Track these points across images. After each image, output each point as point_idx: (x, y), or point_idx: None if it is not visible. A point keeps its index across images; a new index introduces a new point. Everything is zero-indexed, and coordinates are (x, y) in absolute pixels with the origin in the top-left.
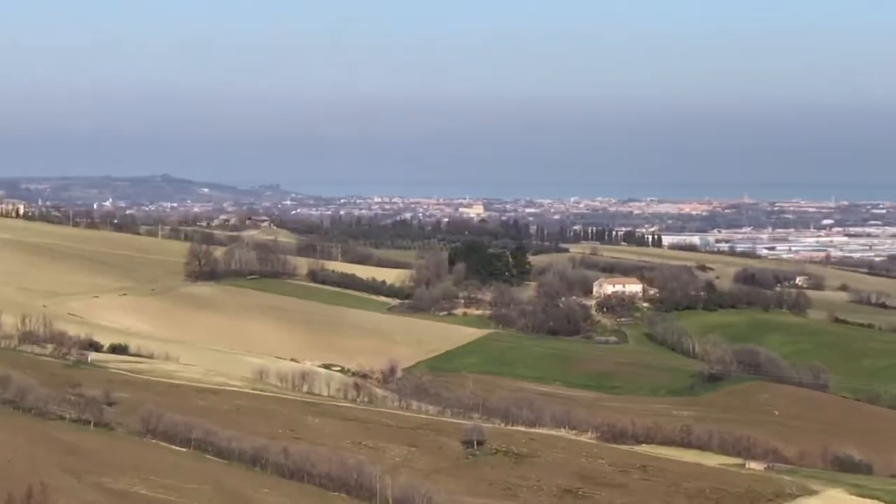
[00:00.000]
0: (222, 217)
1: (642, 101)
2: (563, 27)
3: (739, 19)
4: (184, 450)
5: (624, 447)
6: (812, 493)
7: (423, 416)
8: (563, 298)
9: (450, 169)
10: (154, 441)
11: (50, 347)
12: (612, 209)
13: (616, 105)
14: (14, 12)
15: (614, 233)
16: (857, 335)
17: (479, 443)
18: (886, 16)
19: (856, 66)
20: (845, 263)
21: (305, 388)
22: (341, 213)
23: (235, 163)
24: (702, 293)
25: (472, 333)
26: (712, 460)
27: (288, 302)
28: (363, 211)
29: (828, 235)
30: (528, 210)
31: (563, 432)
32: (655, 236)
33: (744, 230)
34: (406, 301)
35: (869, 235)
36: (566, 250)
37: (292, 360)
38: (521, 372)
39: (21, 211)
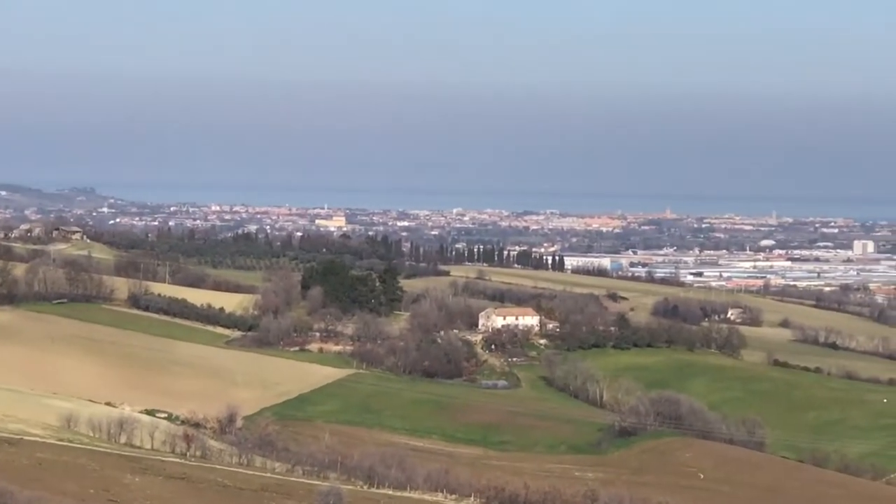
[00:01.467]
0: (23, 227)
1: (541, 92)
2: (438, 12)
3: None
4: None
5: None
6: None
7: (269, 475)
8: (442, 333)
9: (305, 173)
10: None
11: None
12: (504, 223)
13: (512, 97)
14: None
15: (506, 252)
16: (801, 382)
17: None
18: None
19: (810, 55)
20: (788, 294)
21: (124, 439)
22: (171, 223)
23: (41, 160)
24: (612, 328)
25: (330, 374)
26: None
27: (103, 332)
28: (198, 222)
29: (767, 259)
30: (400, 223)
31: (439, 497)
32: (557, 257)
33: (665, 251)
34: (249, 333)
35: (817, 260)
36: (447, 273)
37: (108, 403)
38: (390, 422)
39: None
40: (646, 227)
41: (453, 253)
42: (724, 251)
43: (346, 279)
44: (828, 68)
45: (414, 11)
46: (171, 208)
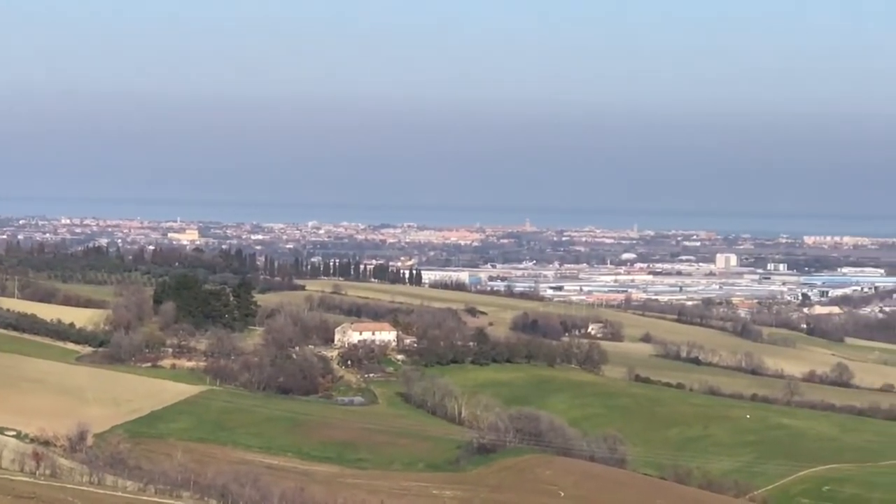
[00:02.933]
0: None
1: (397, 103)
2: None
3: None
4: None
5: None
6: None
7: (120, 494)
8: (297, 348)
9: (156, 185)
10: None
11: None
12: (361, 237)
13: (367, 107)
14: None
15: (363, 266)
16: (663, 397)
17: None
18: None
19: (659, 66)
20: (650, 308)
21: None
22: (19, 237)
23: None
24: (471, 344)
25: (184, 391)
26: None
27: None
28: (47, 235)
29: (628, 273)
30: (254, 237)
31: None
32: (414, 271)
33: (524, 265)
34: (100, 349)
35: (679, 274)
36: (302, 287)
37: None
38: (244, 440)
39: None
40: (505, 241)
41: (309, 267)
42: (585, 265)
43: (200, 294)
44: (681, 81)
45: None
46: (20, 221)
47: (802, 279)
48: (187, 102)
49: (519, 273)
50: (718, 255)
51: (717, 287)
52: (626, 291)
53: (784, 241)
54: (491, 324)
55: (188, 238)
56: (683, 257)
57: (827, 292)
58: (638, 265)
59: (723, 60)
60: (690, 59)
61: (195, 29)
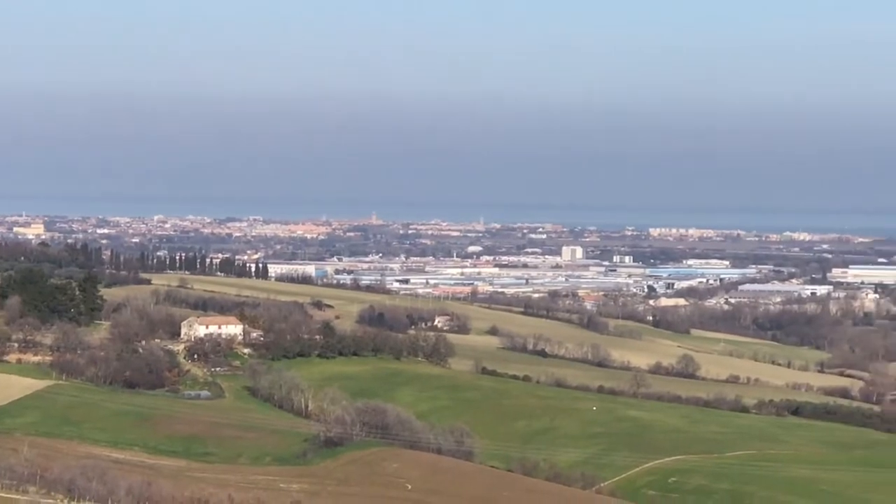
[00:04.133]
0: None
1: (241, 97)
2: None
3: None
4: None
5: None
6: None
7: None
8: (144, 342)
9: (2, 180)
10: None
11: None
12: (207, 230)
13: (211, 99)
14: None
15: (209, 260)
16: (510, 390)
17: None
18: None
19: (526, 59)
20: (496, 301)
21: None
22: None
23: None
24: (318, 337)
25: (30, 385)
26: None
27: None
28: None
29: (475, 266)
30: (100, 231)
31: None
32: (260, 265)
33: (371, 258)
34: None
35: (525, 266)
36: (148, 281)
37: None
38: (91, 434)
39: None
40: (351, 234)
41: (155, 261)
42: (431, 258)
43: (45, 288)
44: (538, 75)
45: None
46: None
47: (648, 271)
48: (25, 95)
49: (365, 266)
50: (564, 248)
51: (564, 279)
52: (472, 284)
53: (630, 233)
54: (337, 317)
55: (34, 232)
56: (530, 250)
57: (672, 284)
58: (484, 258)
59: (578, 55)
60: (547, 52)
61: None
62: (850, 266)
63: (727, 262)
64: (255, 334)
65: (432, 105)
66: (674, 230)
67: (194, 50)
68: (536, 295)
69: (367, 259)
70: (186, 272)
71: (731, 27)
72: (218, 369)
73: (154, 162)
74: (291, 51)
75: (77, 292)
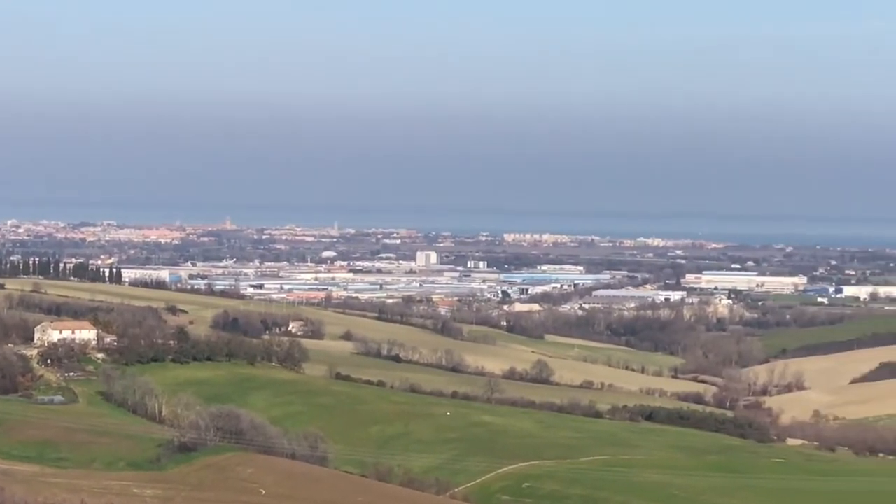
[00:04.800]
0: None
1: (84, 96)
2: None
3: None
4: None
5: None
6: None
7: None
8: None
9: None
10: None
11: None
12: (61, 235)
13: (56, 104)
14: None
15: (63, 265)
16: (364, 395)
17: None
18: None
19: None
20: (350, 306)
21: None
22: None
23: None
24: (172, 342)
25: None
26: None
27: None
28: None
29: (329, 271)
30: None
31: None
32: (114, 270)
33: (225, 263)
34: None
35: (380, 272)
36: (1, 286)
37: None
38: None
39: None
40: (206, 239)
41: (8, 266)
42: (286, 263)
43: None
44: (390, 77)
45: None
46: None
47: (502, 276)
48: None
49: (219, 271)
50: (419, 253)
51: (418, 285)
52: (326, 289)
53: (484, 238)
54: (191, 322)
55: None
56: (384, 255)
57: (527, 290)
58: (339, 263)
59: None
60: (394, 55)
61: None
62: (704, 272)
63: (581, 268)
64: (108, 339)
65: (284, 109)
66: (528, 235)
67: (62, 55)
68: (391, 300)
69: (221, 264)
70: (40, 277)
71: (581, 30)
72: (72, 374)
73: (6, 166)
74: (146, 56)
75: None
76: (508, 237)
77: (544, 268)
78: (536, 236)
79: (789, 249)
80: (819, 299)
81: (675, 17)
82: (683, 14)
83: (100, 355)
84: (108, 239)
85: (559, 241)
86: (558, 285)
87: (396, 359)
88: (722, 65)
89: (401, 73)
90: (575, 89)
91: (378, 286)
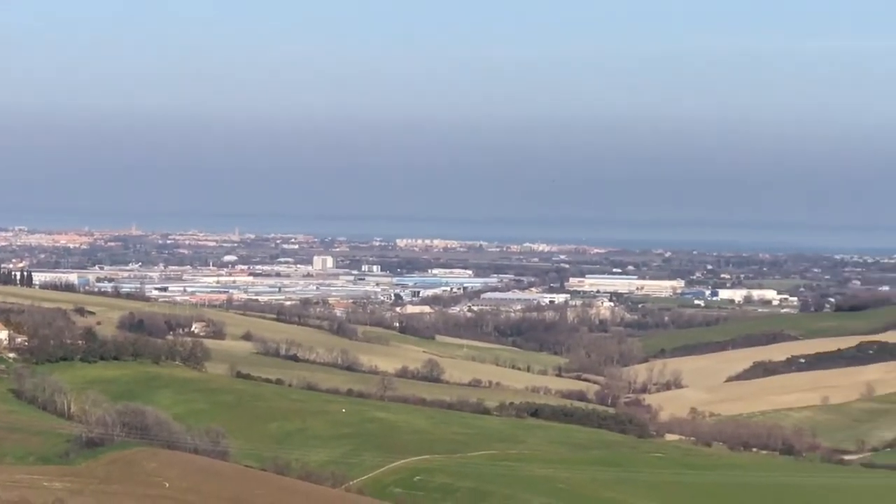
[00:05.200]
0: None
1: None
2: None
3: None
4: None
5: None
6: None
7: None
8: None
9: None
10: None
11: None
12: None
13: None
14: None
15: None
16: (264, 393)
17: None
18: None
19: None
20: (251, 308)
21: None
22: None
23: None
24: (80, 342)
25: None
26: None
27: None
28: None
29: (230, 275)
30: None
31: None
32: (25, 273)
33: (131, 267)
34: None
35: (279, 275)
36: None
37: None
38: None
39: None
40: (113, 244)
41: None
42: (189, 266)
43: None
44: (284, 90)
45: None
46: None
47: (395, 280)
48: None
49: (126, 274)
50: (316, 258)
51: (315, 288)
52: (227, 292)
53: (378, 243)
54: (99, 323)
55: None
56: (283, 259)
57: (418, 292)
58: (239, 267)
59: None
60: (290, 67)
61: None
62: (587, 276)
63: (470, 272)
64: (19, 339)
65: (188, 120)
66: (420, 241)
67: None
68: (289, 302)
69: (127, 268)
70: None
71: (448, 39)
72: None
73: None
74: (55, 65)
75: None
76: (401, 242)
77: (435, 272)
78: (427, 241)
79: (668, 254)
80: (696, 302)
81: (506, 35)
82: (520, 33)
83: (11, 354)
84: (19, 244)
85: (449, 246)
86: (448, 288)
87: (294, 358)
88: (594, 77)
89: (293, 85)
90: (457, 100)
91: (277, 289)
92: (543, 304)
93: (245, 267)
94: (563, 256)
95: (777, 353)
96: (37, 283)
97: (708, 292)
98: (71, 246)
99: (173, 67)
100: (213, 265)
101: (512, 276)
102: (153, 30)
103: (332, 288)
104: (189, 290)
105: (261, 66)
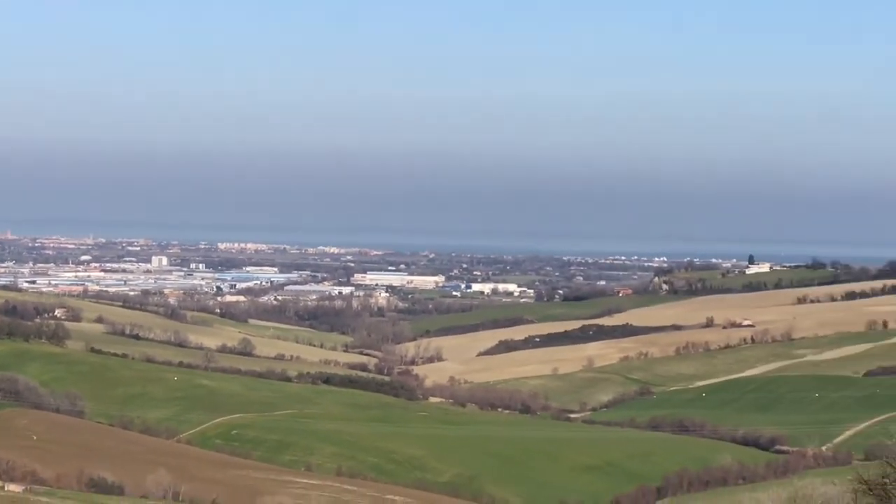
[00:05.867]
0: None
1: None
2: None
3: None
4: None
5: None
6: None
7: None
8: None
9: None
10: None
11: None
12: None
13: None
14: None
15: None
16: (113, 365)
17: None
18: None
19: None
20: (102, 297)
21: None
22: None
23: None
24: None
25: None
26: None
27: None
28: None
29: (86, 271)
30: None
31: None
32: None
33: (6, 265)
34: None
35: (124, 271)
36: None
37: None
38: None
39: None
40: None
41: None
42: (53, 264)
43: None
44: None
45: None
46: None
47: (217, 275)
48: None
49: (1, 271)
50: (154, 258)
51: (153, 281)
52: (84, 285)
53: (203, 246)
54: None
55: None
56: (127, 259)
57: (235, 285)
58: (93, 265)
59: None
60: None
61: None
62: (368, 272)
63: (276, 269)
64: None
65: (51, 143)
66: (237, 244)
67: None
68: (132, 293)
69: (3, 265)
70: None
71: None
72: None
73: None
74: None
75: None
76: (222, 246)
77: (248, 269)
78: (243, 245)
79: (432, 255)
80: (454, 293)
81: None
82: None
83: None
84: None
85: (259, 248)
86: (259, 282)
87: (137, 337)
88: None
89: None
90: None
91: (123, 282)
92: (334, 294)
93: (98, 265)
94: (349, 257)
95: (517, 333)
96: None
97: (463, 286)
98: None
99: (49, 99)
100: (72, 263)
101: (309, 273)
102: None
103: (166, 281)
104: (53, 282)
105: (106, 103)
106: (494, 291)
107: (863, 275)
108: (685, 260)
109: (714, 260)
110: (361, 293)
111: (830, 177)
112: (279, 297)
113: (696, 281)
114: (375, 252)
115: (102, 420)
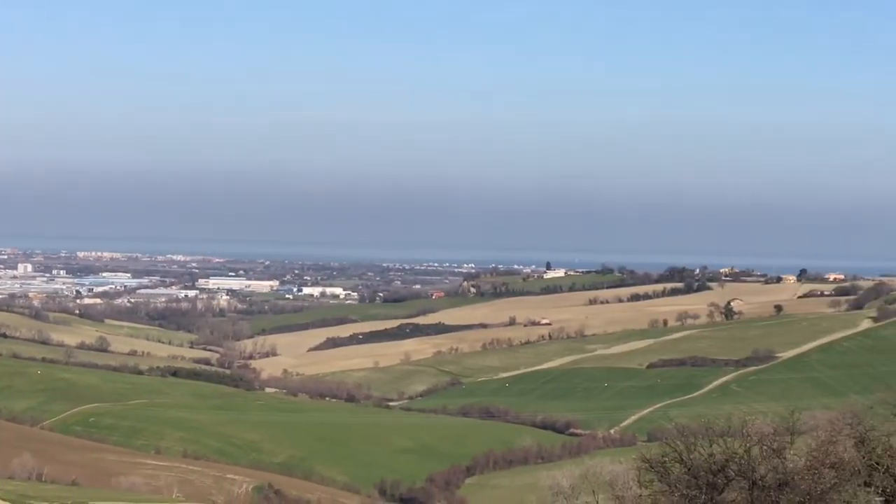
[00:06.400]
0: None
1: None
2: None
3: None
4: None
5: None
6: None
7: None
8: None
9: None
10: None
11: None
12: None
13: None
14: None
15: None
16: None
17: None
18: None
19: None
20: None
21: None
22: None
23: None
24: None
25: None
26: None
27: None
28: None
29: None
30: None
31: None
32: None
33: None
34: None
35: None
36: None
37: None
38: None
39: None
40: None
41: None
42: None
43: None
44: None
45: None
46: None
47: (77, 280)
48: None
49: None
50: (20, 264)
51: (19, 286)
52: None
53: (64, 255)
54: None
55: None
56: None
57: (93, 289)
58: None
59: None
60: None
61: None
62: (211, 277)
63: (129, 275)
64: None
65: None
66: (94, 253)
67: None
68: (0, 296)
69: None
70: None
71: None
72: None
73: None
74: None
75: None
76: (81, 254)
77: (105, 274)
78: (100, 253)
79: (268, 263)
80: (287, 296)
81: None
82: None
83: None
84: None
85: (115, 256)
86: (114, 286)
87: (4, 335)
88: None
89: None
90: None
91: None
92: (181, 297)
93: None
94: (194, 264)
95: (343, 331)
96: None
97: (295, 289)
98: None
99: None
100: None
101: (159, 278)
102: None
103: (31, 286)
104: None
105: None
106: (323, 294)
107: (646, 279)
108: (490, 266)
109: (516, 266)
110: (205, 296)
111: (619, 193)
112: (132, 300)
113: (500, 284)
114: (218, 259)
115: None
